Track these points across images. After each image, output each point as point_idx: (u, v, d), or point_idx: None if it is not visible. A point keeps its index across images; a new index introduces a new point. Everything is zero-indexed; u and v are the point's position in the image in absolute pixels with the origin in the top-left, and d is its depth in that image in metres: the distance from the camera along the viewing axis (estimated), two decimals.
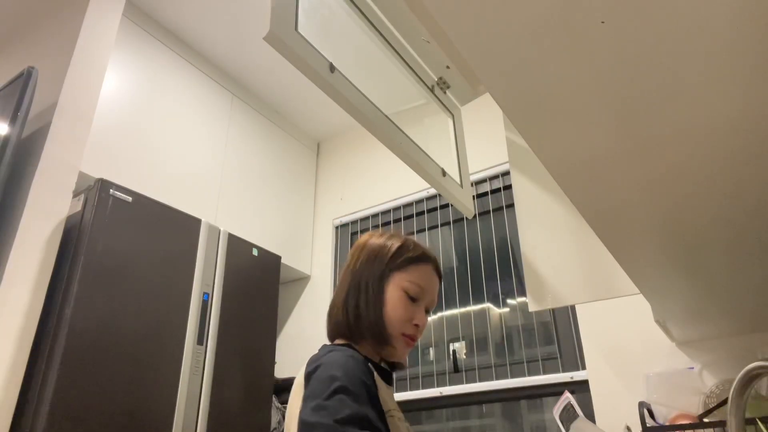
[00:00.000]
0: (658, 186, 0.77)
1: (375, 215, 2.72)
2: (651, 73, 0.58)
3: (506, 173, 2.32)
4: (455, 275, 2.37)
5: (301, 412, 0.81)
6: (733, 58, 0.55)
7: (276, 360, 2.14)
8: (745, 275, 1.07)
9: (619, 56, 0.56)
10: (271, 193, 2.69)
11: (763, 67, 0.56)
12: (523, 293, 2.13)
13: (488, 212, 2.37)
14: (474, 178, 2.37)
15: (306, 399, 0.82)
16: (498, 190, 2.37)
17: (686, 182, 0.75)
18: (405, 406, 2.21)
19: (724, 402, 1.33)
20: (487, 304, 2.26)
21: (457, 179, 1.56)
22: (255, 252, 2.19)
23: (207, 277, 1.94)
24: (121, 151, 2.01)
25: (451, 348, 2.23)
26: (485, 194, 2.39)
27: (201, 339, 1.84)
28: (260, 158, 2.69)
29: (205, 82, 2.50)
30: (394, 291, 0.99)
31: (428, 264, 1.04)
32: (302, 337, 2.60)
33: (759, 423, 1.21)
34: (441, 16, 0.54)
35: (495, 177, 2.38)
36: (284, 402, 2.16)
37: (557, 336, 2.01)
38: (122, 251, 1.69)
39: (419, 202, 2.60)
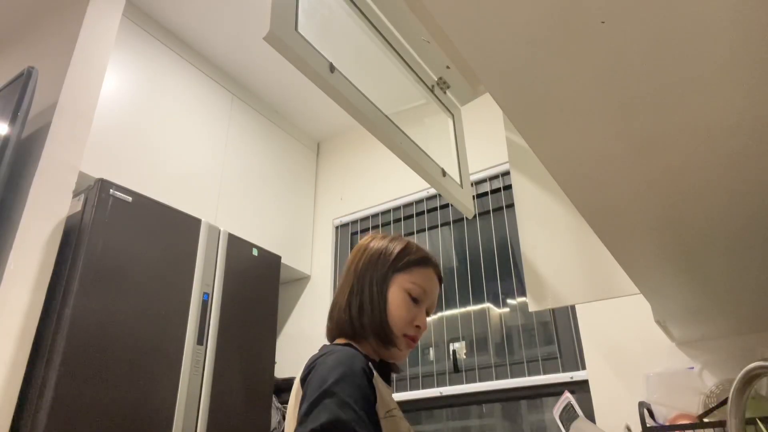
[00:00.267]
0: (657, 186, 0.77)
1: (375, 215, 2.72)
2: (651, 73, 0.58)
3: (506, 173, 2.32)
4: (455, 275, 2.37)
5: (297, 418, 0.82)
6: (733, 59, 0.55)
7: (276, 360, 2.14)
8: (745, 275, 1.07)
9: (619, 56, 0.56)
10: (271, 193, 2.69)
11: (763, 68, 0.56)
12: (523, 293, 2.13)
13: (488, 212, 2.37)
14: (474, 178, 2.37)
15: (301, 403, 0.83)
16: (498, 190, 2.37)
17: (686, 182, 0.75)
18: (405, 406, 2.22)
19: (724, 402, 1.33)
20: (487, 304, 2.26)
21: (457, 179, 1.56)
22: (255, 252, 2.19)
23: (207, 277, 1.94)
24: (121, 151, 2.01)
25: (451, 348, 2.23)
26: (485, 194, 2.39)
27: (201, 339, 1.84)
28: (260, 158, 2.69)
29: (205, 82, 2.50)
30: (396, 292, 1.00)
31: (430, 267, 1.06)
32: (302, 337, 2.60)
33: (759, 423, 1.21)
34: (441, 16, 0.54)
35: (495, 177, 2.38)
36: (284, 402, 2.16)
37: (557, 336, 2.01)
38: (122, 251, 1.69)
39: (419, 202, 2.60)
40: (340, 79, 1.09)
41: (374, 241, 1.07)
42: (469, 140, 1.77)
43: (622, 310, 1.82)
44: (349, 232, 2.78)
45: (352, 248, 1.42)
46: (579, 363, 1.91)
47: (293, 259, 2.66)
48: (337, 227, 2.84)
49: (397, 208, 2.66)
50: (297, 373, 0.93)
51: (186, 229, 1.93)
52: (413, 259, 1.04)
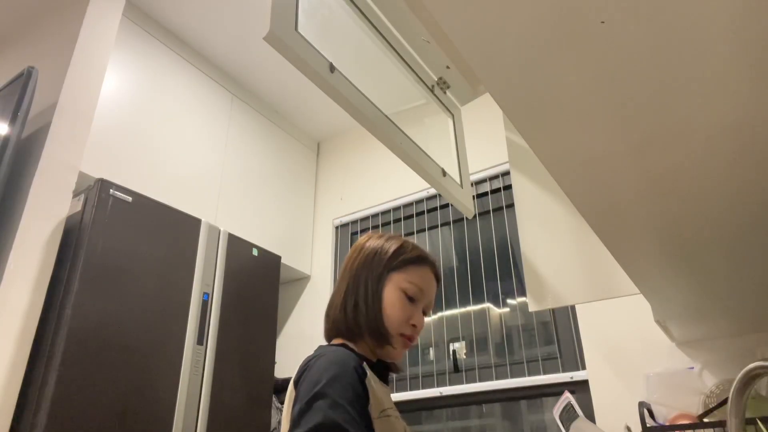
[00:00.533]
0: (658, 186, 0.77)
1: (375, 215, 2.72)
2: (651, 73, 0.58)
3: (506, 173, 2.32)
4: (455, 275, 2.37)
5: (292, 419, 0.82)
6: (733, 58, 0.55)
7: (276, 360, 2.14)
8: (745, 275, 1.07)
9: (619, 56, 0.56)
10: (271, 193, 2.69)
11: (763, 68, 0.56)
12: (523, 293, 2.13)
13: (488, 212, 2.37)
14: (474, 178, 2.37)
15: (293, 405, 0.84)
16: (498, 190, 2.37)
17: (686, 182, 0.75)
18: (405, 406, 2.21)
19: (724, 402, 1.33)
20: (487, 304, 2.26)
21: (457, 179, 1.56)
22: (255, 252, 2.19)
23: (207, 277, 1.94)
24: (121, 151, 2.01)
25: (451, 348, 2.23)
26: (485, 194, 2.39)
27: (201, 339, 1.84)
28: (260, 158, 2.69)
29: (205, 82, 2.50)
30: (392, 291, 1.00)
31: (426, 265, 1.05)
32: (302, 337, 2.60)
33: (759, 423, 1.21)
34: (441, 16, 0.54)
35: (495, 177, 2.38)
36: (284, 402, 2.16)
37: (557, 336, 2.01)
38: (122, 251, 1.69)
39: (419, 202, 2.60)
40: (340, 79, 1.09)
41: (370, 241, 1.07)
42: (469, 140, 1.77)
43: (622, 310, 1.82)
44: (349, 232, 2.78)
45: None
46: (579, 363, 1.91)
47: (293, 259, 2.66)
48: (337, 227, 2.84)
49: (397, 208, 2.66)
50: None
51: (186, 229, 1.93)
52: (409, 258, 1.03)
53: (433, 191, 2.52)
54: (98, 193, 1.68)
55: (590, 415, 1.76)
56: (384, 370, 1.02)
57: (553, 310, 2.04)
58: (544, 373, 1.98)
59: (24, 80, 1.69)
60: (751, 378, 0.84)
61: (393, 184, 2.67)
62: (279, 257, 2.31)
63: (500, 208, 2.34)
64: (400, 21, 1.35)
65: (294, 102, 2.84)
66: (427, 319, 2.42)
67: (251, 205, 2.55)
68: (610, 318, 1.84)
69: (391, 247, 1.04)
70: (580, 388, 1.86)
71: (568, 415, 1.53)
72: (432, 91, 1.53)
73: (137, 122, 2.11)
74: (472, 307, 2.29)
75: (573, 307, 1.97)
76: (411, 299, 1.01)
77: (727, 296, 1.22)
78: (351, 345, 0.98)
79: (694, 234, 0.90)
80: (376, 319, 0.98)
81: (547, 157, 0.73)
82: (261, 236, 2.45)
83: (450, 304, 2.34)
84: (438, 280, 1.08)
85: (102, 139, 1.95)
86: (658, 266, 1.03)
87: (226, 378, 1.89)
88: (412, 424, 2.26)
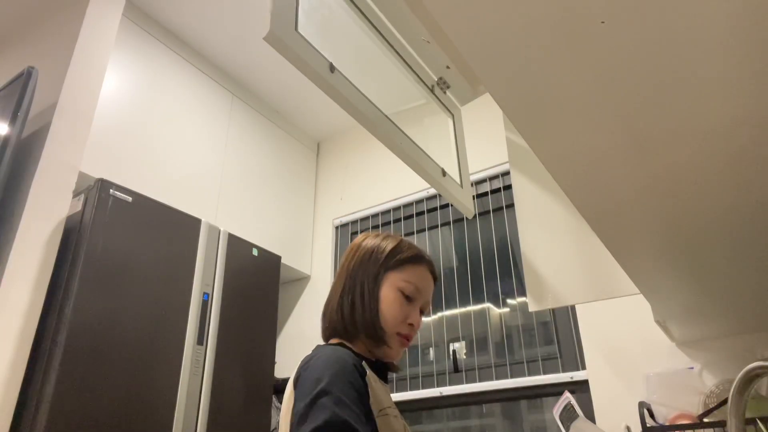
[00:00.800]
0: (658, 186, 0.77)
1: (375, 215, 2.72)
2: (651, 73, 0.58)
3: (506, 173, 2.32)
4: (455, 275, 2.37)
5: (291, 421, 0.82)
6: (733, 58, 0.55)
7: (276, 360, 2.14)
8: (745, 275, 1.07)
9: (619, 56, 0.56)
10: (271, 193, 2.69)
11: (763, 67, 0.56)
12: (523, 293, 2.13)
13: (488, 212, 2.37)
14: (474, 178, 2.37)
15: (294, 404, 0.83)
16: (498, 190, 2.37)
17: (686, 182, 0.75)
18: (405, 406, 2.21)
19: (724, 402, 1.33)
20: (487, 304, 2.26)
21: (457, 179, 1.56)
22: (255, 252, 2.19)
23: (207, 277, 1.94)
24: (121, 151, 2.01)
25: (451, 348, 2.23)
26: (485, 194, 2.39)
27: (201, 339, 1.84)
28: (260, 158, 2.69)
29: (205, 82, 2.50)
30: (389, 290, 1.00)
31: (423, 265, 1.05)
32: (302, 337, 2.60)
33: (759, 423, 1.21)
34: (441, 16, 0.54)
35: (495, 177, 2.38)
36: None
37: (557, 336, 2.01)
38: (122, 251, 1.69)
39: (419, 202, 2.60)
40: (340, 79, 1.09)
41: (367, 240, 1.07)
42: (469, 140, 1.77)
43: (622, 310, 1.82)
44: (349, 232, 2.78)
45: None
46: (579, 363, 1.91)
47: (293, 259, 2.66)
48: (337, 227, 2.84)
49: (397, 208, 2.66)
50: None
51: (186, 229, 1.93)
52: (405, 257, 1.03)
53: (433, 191, 2.52)
54: (98, 193, 1.68)
55: (590, 415, 1.76)
56: (383, 370, 1.02)
57: (553, 310, 2.04)
58: (544, 373, 1.98)
59: (24, 80, 1.69)
60: (751, 378, 0.84)
61: (393, 184, 2.67)
62: (279, 257, 2.31)
63: (500, 208, 2.34)
64: (400, 21, 1.35)
65: (294, 102, 2.84)
66: (427, 319, 2.41)
67: (251, 205, 2.55)
68: (610, 318, 1.84)
69: (388, 246, 1.04)
70: (580, 388, 1.86)
71: (568, 415, 1.53)
72: (432, 91, 1.53)
73: (137, 122, 2.11)
74: (472, 307, 2.29)
75: (573, 307, 1.97)
76: (408, 298, 1.01)
77: (727, 296, 1.22)
78: (348, 344, 0.98)
79: (694, 234, 0.90)
80: (373, 319, 0.97)
81: (547, 157, 0.73)
82: (261, 236, 2.45)
83: (450, 304, 2.34)
84: (435, 279, 1.08)
85: (102, 139, 1.95)
86: (658, 266, 1.03)
87: (226, 378, 1.89)
88: (412, 424, 2.26)
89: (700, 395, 1.47)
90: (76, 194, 1.71)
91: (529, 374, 2.01)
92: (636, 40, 0.54)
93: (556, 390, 1.92)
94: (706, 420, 1.36)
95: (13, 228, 1.53)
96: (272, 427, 2.06)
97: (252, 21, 2.36)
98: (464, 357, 2.20)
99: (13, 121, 1.63)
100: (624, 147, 0.69)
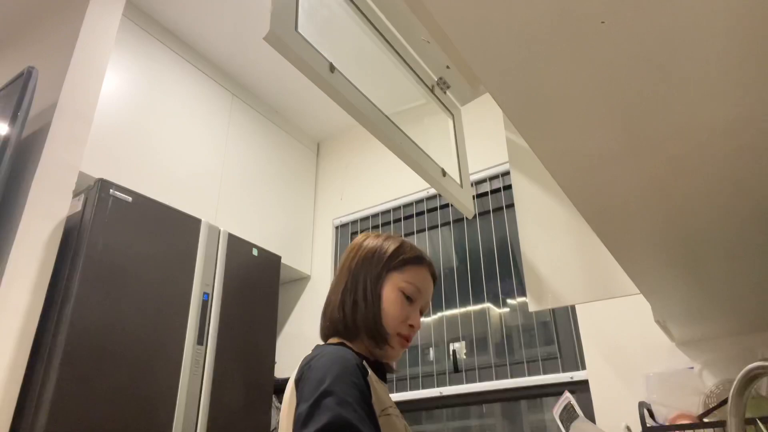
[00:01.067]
0: (658, 186, 0.77)
1: (375, 215, 2.72)
2: (651, 72, 0.58)
3: (506, 173, 2.32)
4: (455, 275, 2.37)
5: (293, 422, 0.81)
6: (733, 58, 0.55)
7: (276, 360, 2.14)
8: (745, 275, 1.07)
9: (619, 56, 0.56)
10: (271, 193, 2.69)
11: (764, 67, 0.56)
12: (523, 293, 2.13)
13: (488, 212, 2.37)
14: (474, 178, 2.37)
15: (297, 405, 0.83)
16: (498, 190, 2.37)
17: (686, 182, 0.75)
18: (405, 406, 2.21)
19: (724, 402, 1.33)
20: (487, 304, 2.26)
21: (457, 179, 1.56)
22: (255, 252, 2.19)
23: (207, 277, 1.94)
24: (121, 151, 2.01)
25: (451, 348, 2.23)
26: (485, 194, 2.39)
27: (201, 339, 1.84)
28: (260, 158, 2.69)
29: (205, 82, 2.50)
30: (391, 291, 1.00)
31: (424, 266, 1.05)
32: (302, 337, 2.60)
33: (759, 423, 1.21)
34: (441, 16, 0.54)
35: (495, 177, 2.38)
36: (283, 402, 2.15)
37: (557, 336, 2.01)
38: (122, 251, 1.69)
39: (419, 202, 2.60)
40: (340, 79, 1.09)
41: (368, 240, 1.07)
42: (469, 140, 1.77)
43: (622, 310, 1.82)
44: (349, 232, 2.78)
45: None
46: (579, 363, 1.91)
47: (293, 259, 2.66)
48: (337, 227, 2.84)
49: (397, 208, 2.66)
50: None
51: (186, 229, 1.93)
52: (408, 258, 1.04)
53: (433, 191, 2.52)
54: (98, 193, 1.68)
55: (590, 415, 1.76)
56: (381, 370, 1.02)
57: (553, 310, 2.04)
58: (544, 373, 1.98)
59: (24, 80, 1.69)
60: (751, 378, 0.84)
61: (393, 184, 2.67)
62: (279, 257, 2.31)
63: (500, 208, 2.34)
64: (400, 21, 1.35)
65: (294, 102, 2.84)
66: (427, 319, 2.41)
67: (251, 205, 2.55)
68: (610, 318, 1.84)
69: (390, 246, 1.04)
70: (580, 388, 1.86)
71: (568, 415, 1.53)
72: (432, 91, 1.53)
73: (137, 122, 2.11)
74: (472, 307, 2.29)
75: (573, 307, 1.97)
76: (409, 299, 1.01)
77: (727, 296, 1.22)
78: (349, 344, 0.98)
79: (694, 234, 0.90)
80: (375, 319, 0.97)
81: (547, 157, 0.73)
82: (261, 236, 2.45)
83: (450, 304, 2.34)
84: (435, 281, 1.08)
85: (102, 139, 1.95)
86: (658, 266, 1.03)
87: (226, 378, 1.89)
88: (412, 424, 2.26)
89: (700, 395, 1.47)
90: (76, 194, 1.71)
91: (529, 374, 2.01)
92: (636, 40, 0.54)
93: (556, 390, 1.92)
94: (706, 420, 1.36)
95: (13, 228, 1.53)
96: (272, 427, 2.06)
97: (252, 21, 2.36)
98: (464, 357, 2.20)
99: (13, 121, 1.63)
100: (624, 147, 0.69)
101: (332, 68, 1.07)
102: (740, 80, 0.58)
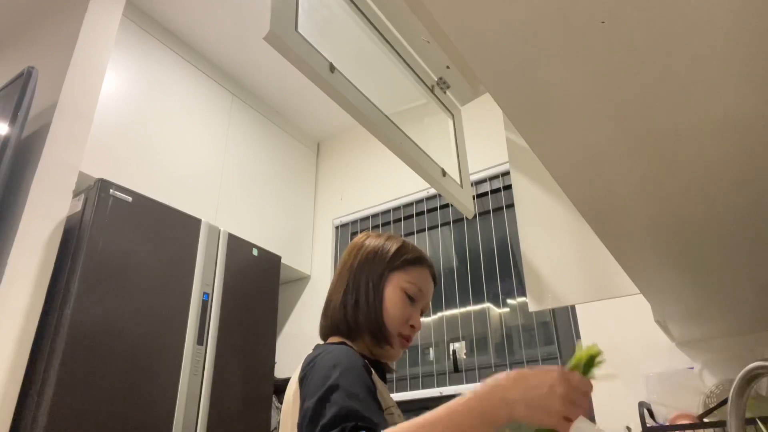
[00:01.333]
0: (657, 186, 0.77)
1: (375, 215, 2.72)
2: (650, 72, 0.58)
3: (506, 173, 2.31)
4: (455, 275, 2.37)
5: (299, 418, 0.81)
6: (733, 58, 0.55)
7: (276, 360, 2.14)
8: (745, 275, 1.07)
9: (619, 56, 0.56)
10: (271, 193, 2.69)
11: (762, 67, 0.56)
12: (523, 293, 2.13)
13: (488, 212, 2.37)
14: (474, 178, 2.37)
15: (302, 401, 0.82)
16: (498, 190, 2.37)
17: (685, 182, 0.75)
18: (405, 406, 2.20)
19: (724, 402, 1.33)
20: (487, 304, 2.25)
21: (457, 179, 1.56)
22: (255, 252, 2.19)
23: (207, 277, 1.94)
24: (121, 151, 2.01)
25: (451, 348, 2.23)
26: (485, 194, 2.39)
27: (201, 339, 1.84)
28: (260, 158, 2.69)
29: (205, 82, 2.50)
30: (393, 291, 1.00)
31: (425, 266, 1.05)
32: (302, 337, 2.60)
33: (759, 423, 1.21)
34: (441, 16, 0.54)
35: (495, 177, 2.38)
36: (283, 401, 2.15)
37: (557, 336, 2.01)
38: (122, 251, 1.69)
39: (419, 202, 2.60)
40: (340, 79, 1.09)
41: (369, 239, 1.07)
42: (469, 140, 1.77)
43: (622, 310, 1.81)
44: (349, 232, 2.78)
45: None
46: None
47: (293, 259, 2.65)
48: (337, 227, 2.84)
49: (397, 208, 2.66)
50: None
51: (186, 229, 1.93)
52: (409, 258, 1.04)
53: (433, 191, 2.52)
54: (98, 193, 1.68)
55: (590, 415, 1.76)
56: (381, 370, 1.02)
57: (553, 310, 2.03)
58: None
59: (24, 80, 1.69)
60: (751, 378, 0.84)
61: (393, 184, 2.67)
62: (279, 257, 2.31)
63: (500, 208, 2.34)
64: (400, 21, 1.35)
65: (294, 102, 2.84)
66: (427, 319, 2.40)
67: (251, 205, 2.55)
68: (610, 318, 1.84)
69: (393, 246, 1.04)
70: None
71: None
72: (432, 91, 1.53)
73: (137, 122, 2.11)
74: (472, 307, 2.29)
75: (573, 307, 1.96)
76: (411, 299, 1.01)
77: (727, 296, 1.22)
78: (350, 343, 0.98)
79: (694, 233, 0.90)
80: (377, 319, 0.97)
81: (547, 157, 0.73)
82: (261, 236, 2.44)
83: (450, 304, 2.34)
84: (435, 282, 1.08)
85: (102, 139, 1.94)
86: (658, 266, 1.03)
87: (226, 378, 1.89)
88: None
89: (700, 395, 1.47)
90: (76, 194, 1.71)
91: None
92: (636, 39, 0.54)
93: None
94: (706, 420, 1.36)
95: (13, 228, 1.53)
96: (272, 427, 2.06)
97: (252, 21, 2.36)
98: (464, 357, 2.20)
99: (13, 121, 1.63)
100: (623, 146, 0.69)
101: (332, 68, 1.07)
102: (740, 80, 0.58)
